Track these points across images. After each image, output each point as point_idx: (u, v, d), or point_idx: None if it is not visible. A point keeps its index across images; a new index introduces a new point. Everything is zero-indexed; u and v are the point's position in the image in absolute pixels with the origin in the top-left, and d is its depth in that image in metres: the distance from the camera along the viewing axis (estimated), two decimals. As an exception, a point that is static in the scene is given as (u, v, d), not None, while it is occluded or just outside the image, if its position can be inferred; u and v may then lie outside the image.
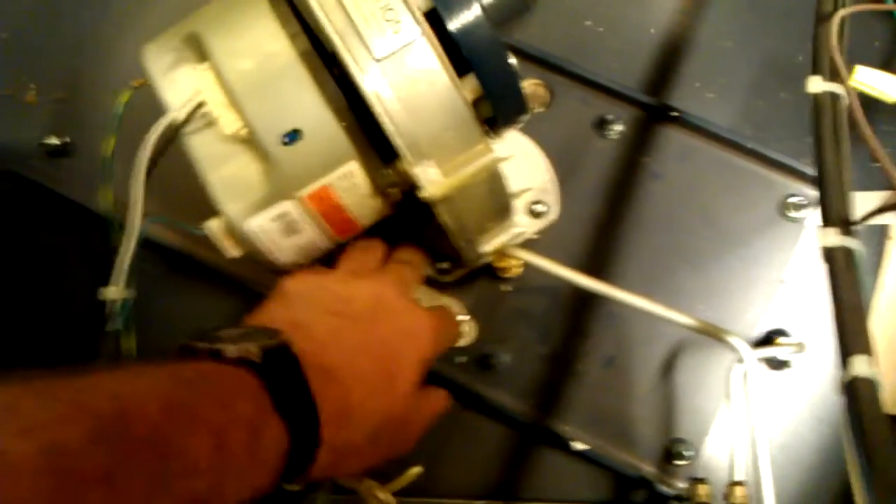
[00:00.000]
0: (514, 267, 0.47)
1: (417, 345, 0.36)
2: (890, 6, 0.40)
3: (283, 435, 0.28)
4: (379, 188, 0.36)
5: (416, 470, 0.39)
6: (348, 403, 0.32)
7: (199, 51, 0.34)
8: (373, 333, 0.35)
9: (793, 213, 0.48)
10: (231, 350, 0.29)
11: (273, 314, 0.34)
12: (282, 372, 0.29)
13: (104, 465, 0.22)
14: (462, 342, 0.48)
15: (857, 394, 0.26)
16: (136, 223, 0.38)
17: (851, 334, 0.28)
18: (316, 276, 0.37)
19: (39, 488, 0.20)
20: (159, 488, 0.23)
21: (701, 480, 0.43)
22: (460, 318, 0.48)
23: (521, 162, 0.48)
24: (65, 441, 0.21)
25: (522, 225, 0.43)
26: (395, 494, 0.38)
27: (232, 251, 0.37)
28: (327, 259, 0.40)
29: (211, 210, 0.36)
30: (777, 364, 0.48)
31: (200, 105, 0.33)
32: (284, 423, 0.28)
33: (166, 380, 0.26)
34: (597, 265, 0.48)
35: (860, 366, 0.27)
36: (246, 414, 0.27)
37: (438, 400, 0.40)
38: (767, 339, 0.48)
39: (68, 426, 0.21)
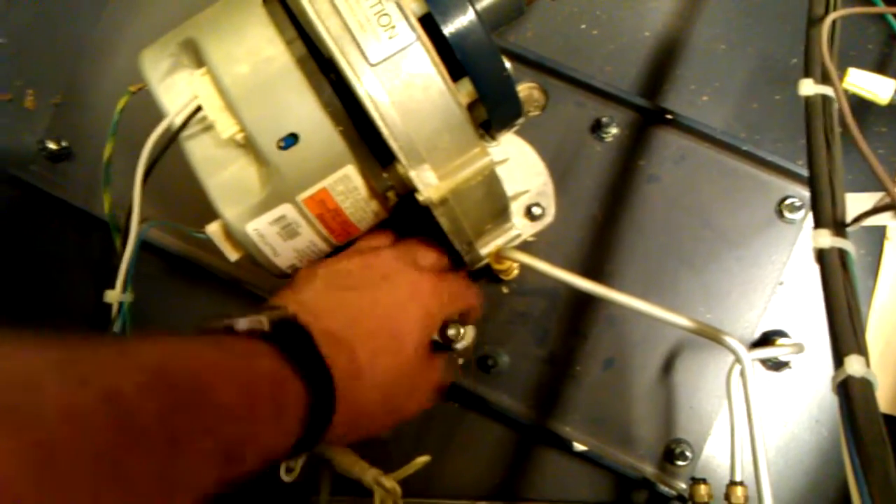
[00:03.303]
0: (512, 269, 0.48)
1: (420, 304, 0.37)
2: (882, 9, 0.40)
3: (302, 390, 0.30)
4: (376, 192, 0.36)
5: (422, 459, 0.39)
6: (357, 362, 0.33)
7: (195, 56, 0.34)
8: (375, 299, 0.36)
9: (789, 215, 0.48)
10: (242, 322, 0.31)
11: (280, 298, 0.36)
12: (291, 337, 0.31)
13: (156, 410, 0.23)
14: (461, 345, 0.48)
15: (851, 393, 0.26)
16: (135, 227, 0.38)
17: (845, 334, 0.28)
18: (322, 261, 0.39)
19: (102, 432, 0.22)
20: (202, 433, 0.25)
21: (701, 481, 0.43)
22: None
23: (518, 165, 0.48)
24: (120, 388, 0.23)
25: (519, 227, 0.43)
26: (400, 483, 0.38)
27: (232, 254, 0.37)
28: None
29: (210, 214, 0.36)
30: (776, 365, 0.48)
31: (198, 110, 0.34)
32: (301, 380, 0.30)
33: (194, 343, 0.28)
34: (594, 267, 0.49)
35: (854, 365, 0.27)
36: (267, 369, 0.29)
37: (441, 366, 0.41)
38: (766, 341, 0.48)
39: (122, 375, 0.23)
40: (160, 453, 0.23)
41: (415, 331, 0.36)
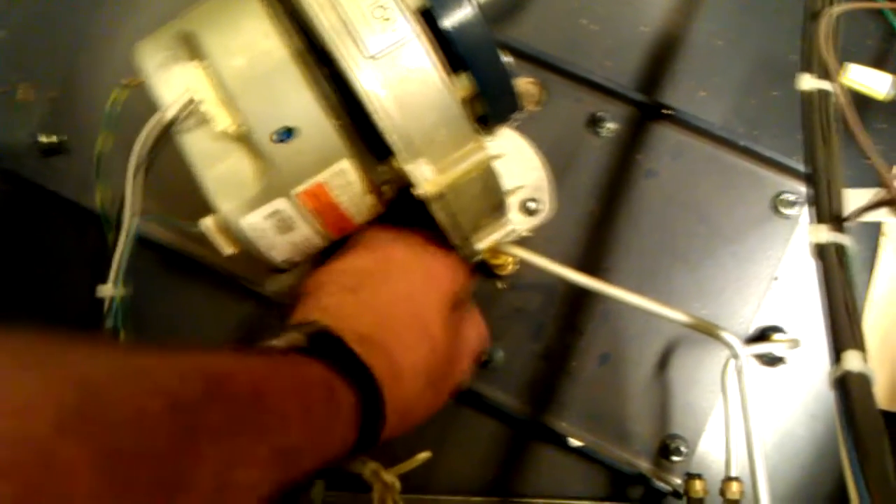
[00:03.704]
0: (509, 264, 0.48)
1: (436, 286, 0.38)
2: (880, 4, 0.40)
3: (351, 395, 0.31)
4: (373, 186, 0.36)
5: (424, 455, 0.39)
6: (395, 362, 0.34)
7: (192, 49, 0.34)
8: (396, 293, 0.36)
9: (785, 210, 0.48)
10: (279, 341, 0.31)
11: (304, 312, 0.36)
12: (330, 348, 0.31)
13: (218, 419, 0.24)
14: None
15: (848, 389, 0.26)
16: (130, 221, 0.38)
17: (843, 330, 0.28)
18: (331, 264, 0.39)
19: (170, 441, 0.22)
20: (261, 440, 0.25)
21: (697, 476, 0.44)
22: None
23: (515, 159, 0.48)
24: (187, 397, 0.23)
25: (516, 222, 0.43)
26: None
27: (227, 249, 0.37)
28: (322, 256, 0.40)
29: (206, 207, 0.36)
30: (772, 360, 0.48)
31: (193, 102, 0.33)
32: (349, 386, 0.30)
33: (245, 356, 0.29)
34: (591, 262, 0.49)
35: (852, 361, 0.27)
36: (318, 377, 0.30)
37: (475, 326, 0.42)
38: (762, 336, 0.48)
39: (186, 385, 0.24)
40: (222, 461, 0.24)
41: (439, 313, 0.37)
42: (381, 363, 0.32)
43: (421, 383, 0.35)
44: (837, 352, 0.27)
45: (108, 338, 0.23)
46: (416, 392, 0.35)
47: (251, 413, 0.26)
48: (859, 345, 0.27)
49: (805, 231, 0.48)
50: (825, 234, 0.30)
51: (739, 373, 0.41)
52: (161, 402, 0.22)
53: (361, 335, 0.33)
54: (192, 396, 0.24)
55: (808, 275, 0.48)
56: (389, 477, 0.38)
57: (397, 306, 0.36)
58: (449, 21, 0.32)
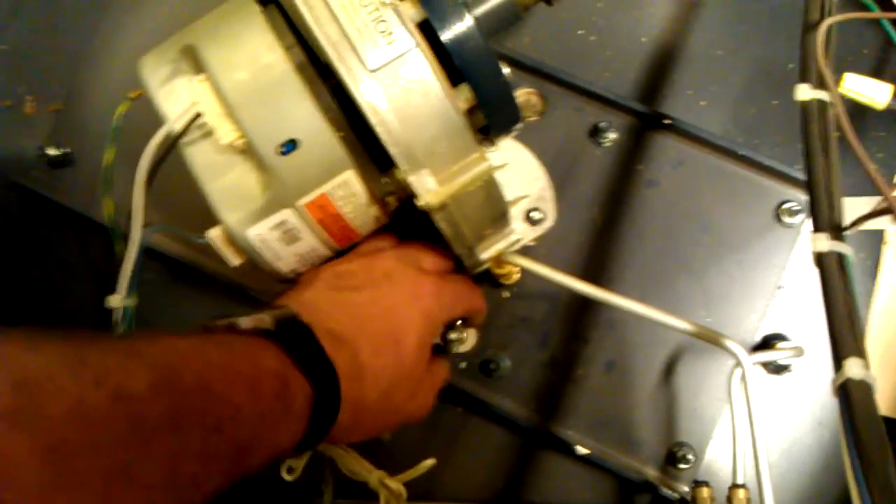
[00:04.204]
0: (513, 273, 0.48)
1: (421, 306, 0.37)
2: (877, 14, 0.40)
3: (307, 387, 0.30)
4: (376, 197, 0.37)
5: (429, 462, 0.39)
6: (358, 362, 0.34)
7: (195, 62, 0.35)
8: (375, 300, 0.37)
9: (788, 219, 0.48)
10: (245, 321, 0.31)
11: (283, 299, 0.36)
12: (295, 336, 0.31)
13: (167, 410, 0.24)
14: (462, 348, 0.48)
15: (850, 396, 0.26)
16: (137, 231, 0.38)
17: (844, 337, 0.28)
18: (326, 264, 0.39)
19: (114, 432, 0.22)
20: (210, 431, 0.25)
21: (703, 483, 0.43)
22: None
23: (517, 170, 0.49)
24: (131, 388, 0.23)
25: (519, 232, 0.43)
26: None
27: (233, 259, 0.37)
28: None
29: (212, 219, 0.36)
30: (777, 368, 0.48)
31: (197, 116, 0.34)
32: (306, 378, 0.30)
33: (199, 343, 0.29)
34: (594, 272, 0.49)
35: (853, 368, 0.27)
36: (273, 367, 0.29)
37: (442, 369, 0.42)
38: (766, 344, 0.48)
39: (132, 375, 0.24)
40: (169, 452, 0.24)
41: (416, 332, 0.37)
42: (344, 360, 0.32)
43: (379, 392, 0.35)
44: (839, 359, 0.27)
45: (47, 330, 0.23)
46: (372, 399, 0.34)
47: (198, 404, 0.25)
48: (861, 352, 0.27)
49: (807, 240, 0.48)
50: (825, 243, 0.30)
51: (745, 381, 0.41)
52: (103, 393, 0.22)
53: (331, 330, 0.33)
54: (135, 387, 0.23)
55: (812, 283, 0.48)
56: (395, 484, 0.38)
57: (375, 312, 0.36)
58: (448, 34, 0.32)
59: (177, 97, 0.34)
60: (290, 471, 0.36)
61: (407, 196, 0.36)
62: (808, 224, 0.48)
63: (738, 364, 0.41)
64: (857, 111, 0.36)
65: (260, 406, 0.28)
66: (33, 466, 0.20)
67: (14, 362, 0.22)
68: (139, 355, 0.25)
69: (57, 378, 0.22)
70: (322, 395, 0.31)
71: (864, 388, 0.26)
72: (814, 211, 0.31)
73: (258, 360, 0.29)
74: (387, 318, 0.36)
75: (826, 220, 0.30)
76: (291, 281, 0.39)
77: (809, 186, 0.32)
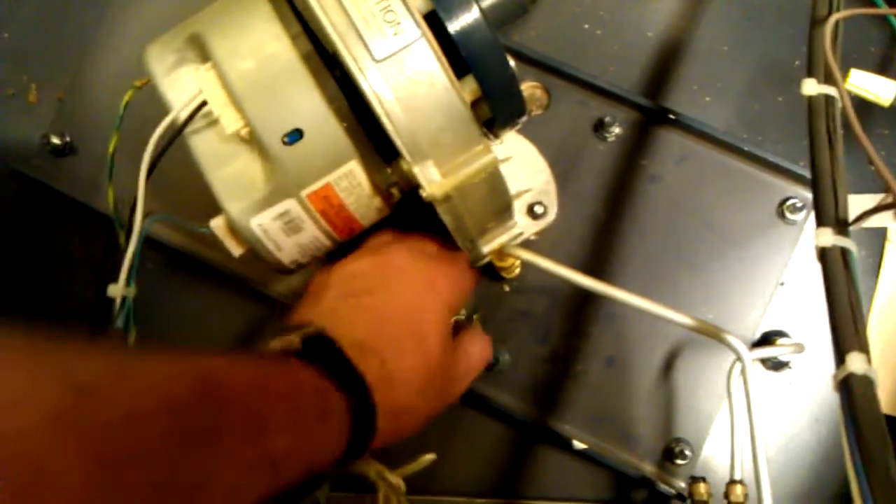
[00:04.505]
0: (515, 267, 0.48)
1: (435, 296, 0.38)
2: (884, 10, 0.40)
3: (343, 401, 0.31)
4: (380, 188, 0.37)
5: (429, 456, 0.39)
6: (387, 369, 0.34)
7: (201, 51, 0.35)
8: (391, 300, 0.37)
9: (791, 216, 0.48)
10: (274, 343, 0.32)
11: (302, 313, 0.36)
12: (324, 352, 0.31)
13: (208, 421, 0.24)
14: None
15: (852, 391, 0.26)
16: (139, 221, 0.38)
17: (847, 332, 0.28)
18: (333, 266, 0.39)
19: (162, 442, 0.22)
20: (250, 444, 0.26)
21: (701, 479, 0.44)
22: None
23: (521, 163, 0.49)
24: (177, 399, 0.23)
25: (522, 226, 0.43)
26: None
27: (235, 250, 0.37)
28: (329, 258, 0.41)
29: (214, 209, 0.36)
30: (777, 365, 0.48)
31: (202, 105, 0.34)
32: (341, 392, 0.31)
33: (239, 359, 0.29)
34: (596, 267, 0.49)
35: (855, 363, 0.27)
36: (309, 383, 0.30)
37: (475, 346, 0.41)
38: (767, 341, 0.48)
39: (181, 386, 0.24)
40: (214, 462, 0.24)
41: (436, 324, 0.37)
42: (374, 369, 0.32)
43: (413, 392, 0.35)
44: (841, 354, 0.27)
45: (101, 338, 0.23)
46: (408, 400, 0.35)
47: (241, 416, 0.26)
48: (863, 347, 0.27)
49: (810, 236, 0.48)
50: (829, 238, 0.30)
51: (744, 376, 0.41)
52: (154, 403, 0.23)
53: (356, 340, 0.33)
54: (183, 398, 0.24)
55: (814, 280, 0.48)
56: (394, 478, 0.38)
57: (394, 313, 0.36)
58: (455, 25, 0.32)
59: (182, 86, 0.34)
60: None
61: (410, 187, 0.36)
62: (811, 221, 0.48)
63: (738, 359, 0.41)
64: (861, 108, 0.36)
65: (299, 420, 0.28)
66: (80, 473, 0.20)
67: (70, 368, 0.22)
68: (185, 366, 0.25)
69: (108, 386, 0.22)
70: (358, 406, 0.31)
71: (866, 384, 0.26)
72: (818, 206, 0.31)
73: (294, 377, 0.30)
74: (407, 318, 0.36)
75: (830, 215, 0.30)
76: (292, 271, 0.39)
77: (814, 181, 0.32)
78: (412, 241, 0.40)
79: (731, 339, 0.41)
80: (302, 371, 0.30)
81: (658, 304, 0.41)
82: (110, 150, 0.41)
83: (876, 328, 0.47)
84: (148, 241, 0.41)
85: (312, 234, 0.37)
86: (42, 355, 0.22)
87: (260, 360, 0.30)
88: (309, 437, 0.29)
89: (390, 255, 0.39)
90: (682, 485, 0.46)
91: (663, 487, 0.46)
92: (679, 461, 0.46)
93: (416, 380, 0.35)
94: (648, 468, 0.47)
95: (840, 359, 0.27)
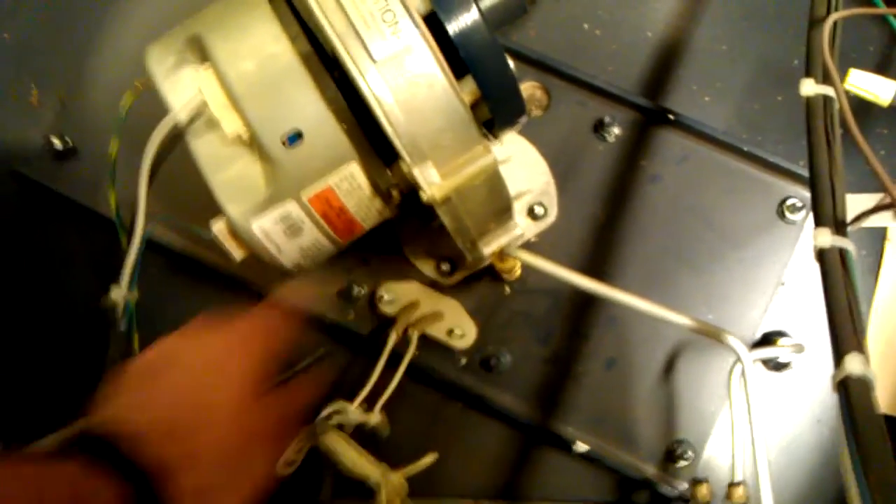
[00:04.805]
0: (515, 269, 0.48)
1: (220, 371, 0.36)
2: (883, 10, 0.40)
3: (121, 488, 0.30)
4: (380, 189, 0.37)
5: (430, 457, 0.39)
6: (168, 456, 0.33)
7: (201, 53, 0.35)
8: (174, 385, 0.36)
9: (790, 216, 0.48)
10: (47, 442, 0.32)
11: (99, 413, 0.35)
12: (98, 451, 0.31)
13: None
14: (463, 344, 0.48)
15: (850, 392, 0.26)
16: (140, 224, 0.38)
17: (845, 333, 0.28)
18: (131, 364, 0.38)
19: None
20: None
21: (702, 480, 0.44)
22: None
23: (520, 164, 0.49)
24: None
25: (522, 227, 0.43)
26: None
27: (236, 253, 0.37)
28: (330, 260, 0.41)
29: (215, 211, 0.36)
30: (778, 366, 0.48)
31: (203, 106, 0.34)
32: (119, 479, 0.30)
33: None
34: (596, 267, 0.49)
35: (853, 364, 0.27)
36: (66, 479, 0.30)
37: (296, 394, 0.40)
38: (767, 341, 0.48)
39: None
40: None
41: (225, 400, 0.36)
42: (151, 458, 0.32)
43: (211, 469, 0.34)
44: (839, 355, 0.27)
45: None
46: (206, 478, 0.34)
47: None
48: (861, 348, 0.27)
49: (809, 236, 0.48)
50: (828, 238, 0.30)
51: (745, 377, 0.41)
52: None
53: (132, 435, 0.32)
54: None
55: (814, 280, 0.48)
56: (398, 478, 0.38)
57: (179, 397, 0.35)
58: (454, 26, 0.32)
59: (182, 87, 0.34)
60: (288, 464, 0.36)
61: (410, 189, 0.36)
62: (811, 221, 0.48)
63: (739, 360, 0.41)
64: (860, 108, 0.36)
65: None
66: None
67: None
68: None
69: None
70: (140, 490, 0.31)
71: (864, 385, 0.26)
72: (816, 206, 0.31)
73: (46, 475, 0.29)
74: (185, 402, 0.35)
75: (829, 215, 0.30)
76: (294, 275, 0.39)
77: (812, 181, 0.32)
78: (191, 324, 0.39)
79: (731, 339, 0.41)
80: (60, 468, 0.30)
81: (658, 305, 0.42)
82: (112, 152, 0.41)
83: (876, 328, 0.47)
84: (149, 244, 0.41)
85: (313, 237, 0.37)
86: None
87: (35, 466, 0.30)
88: None
89: (167, 346, 0.38)
90: (684, 486, 0.46)
91: (665, 489, 0.46)
92: (681, 462, 0.46)
93: (210, 458, 0.34)
94: (650, 470, 0.47)
95: (838, 360, 0.27)
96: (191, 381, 0.36)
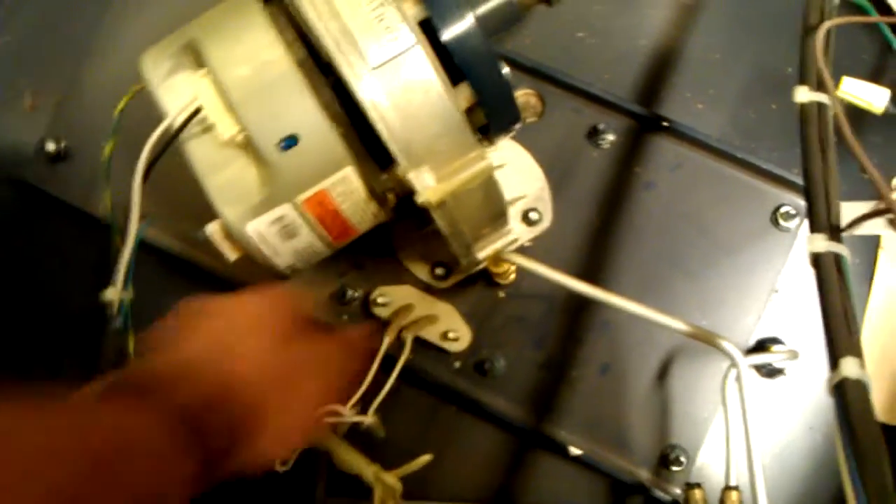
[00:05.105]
0: (509, 273, 0.48)
1: (250, 327, 0.36)
2: (876, 18, 0.41)
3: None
4: (375, 193, 0.37)
5: (425, 458, 0.39)
6: (218, 379, 0.33)
7: (196, 58, 0.35)
8: (207, 332, 0.36)
9: (784, 223, 0.48)
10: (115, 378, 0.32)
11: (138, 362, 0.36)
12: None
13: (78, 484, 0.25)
14: (457, 347, 0.48)
15: (846, 395, 0.27)
16: (134, 224, 0.38)
17: (840, 337, 0.28)
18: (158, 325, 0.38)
19: None
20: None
21: (696, 486, 0.44)
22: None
23: (515, 170, 0.49)
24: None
25: (516, 232, 0.44)
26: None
27: (230, 254, 0.37)
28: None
29: (210, 214, 0.36)
30: (771, 372, 0.48)
31: (198, 111, 0.34)
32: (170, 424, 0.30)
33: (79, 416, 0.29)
34: (590, 273, 0.49)
35: (849, 367, 0.27)
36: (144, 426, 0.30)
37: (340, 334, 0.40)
38: (761, 348, 0.48)
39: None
40: None
41: (252, 343, 0.35)
42: (214, 377, 0.32)
43: (264, 386, 0.34)
44: (835, 358, 0.27)
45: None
46: (262, 393, 0.34)
47: (102, 477, 0.26)
48: (857, 352, 0.27)
49: (803, 243, 0.48)
50: (822, 244, 0.30)
51: (739, 382, 0.41)
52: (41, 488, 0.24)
53: (187, 360, 0.33)
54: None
55: (807, 287, 0.48)
56: (391, 479, 0.38)
57: (216, 336, 0.35)
58: (449, 33, 0.32)
59: (178, 92, 0.35)
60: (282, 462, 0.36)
61: (406, 193, 0.36)
62: (805, 229, 0.48)
63: (733, 365, 0.41)
64: (853, 116, 0.36)
65: (100, 462, 0.28)
66: None
67: None
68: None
69: None
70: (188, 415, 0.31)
71: (860, 388, 0.27)
72: (811, 212, 0.32)
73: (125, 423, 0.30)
74: (217, 349, 0.35)
75: (824, 221, 0.31)
76: (288, 277, 0.39)
77: (807, 188, 0.32)
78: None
79: (725, 345, 0.41)
80: (122, 409, 0.30)
81: (653, 310, 0.42)
82: (106, 155, 0.41)
83: (869, 336, 0.48)
84: (143, 246, 0.41)
85: (308, 240, 0.37)
86: None
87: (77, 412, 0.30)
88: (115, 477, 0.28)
89: (190, 305, 0.37)
90: (678, 491, 0.46)
91: (659, 494, 0.46)
92: (675, 467, 0.46)
93: (263, 375, 0.34)
94: (644, 474, 0.47)
95: (834, 363, 0.27)
96: (225, 324, 0.36)
